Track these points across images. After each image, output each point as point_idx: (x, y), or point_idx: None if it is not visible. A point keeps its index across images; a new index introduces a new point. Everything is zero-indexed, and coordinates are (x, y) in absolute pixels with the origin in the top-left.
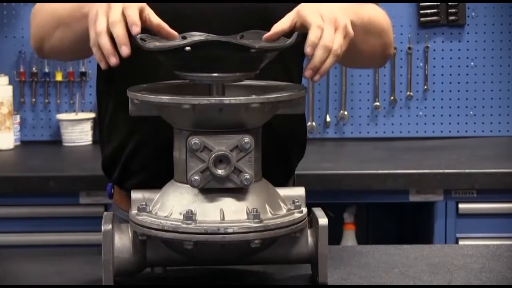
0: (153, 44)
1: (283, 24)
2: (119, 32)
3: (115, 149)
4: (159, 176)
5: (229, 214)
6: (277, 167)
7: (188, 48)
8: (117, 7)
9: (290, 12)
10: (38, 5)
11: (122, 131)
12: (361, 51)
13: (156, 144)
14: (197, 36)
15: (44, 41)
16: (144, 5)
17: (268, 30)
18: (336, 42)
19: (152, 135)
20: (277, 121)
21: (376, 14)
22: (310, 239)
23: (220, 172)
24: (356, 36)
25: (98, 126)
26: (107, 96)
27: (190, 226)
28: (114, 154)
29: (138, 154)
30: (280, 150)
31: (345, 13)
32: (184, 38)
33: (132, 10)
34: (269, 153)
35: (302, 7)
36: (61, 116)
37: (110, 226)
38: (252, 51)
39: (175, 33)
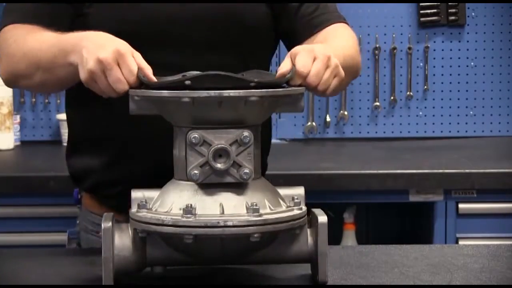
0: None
1: (284, 67)
2: (131, 63)
3: (86, 162)
4: (134, 186)
5: (228, 208)
6: None
7: (188, 82)
8: (110, 51)
9: (287, 55)
10: (4, 39)
11: (94, 144)
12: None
13: (131, 157)
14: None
15: (21, 79)
16: (132, 49)
17: (240, 34)
18: (325, 77)
19: (129, 147)
20: None
21: (346, 44)
22: (310, 238)
23: (219, 165)
24: None
25: (68, 138)
26: (77, 110)
27: (189, 219)
28: (86, 166)
29: (113, 167)
30: None
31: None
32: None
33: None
34: None
35: (296, 47)
36: (61, 116)
37: (110, 224)
38: (251, 85)
39: (154, 78)
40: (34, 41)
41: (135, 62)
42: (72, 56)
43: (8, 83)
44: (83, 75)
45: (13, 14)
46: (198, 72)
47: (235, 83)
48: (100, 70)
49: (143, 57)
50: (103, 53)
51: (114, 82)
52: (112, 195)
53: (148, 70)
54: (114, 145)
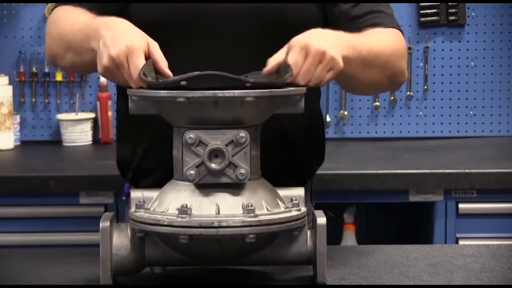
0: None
1: (278, 58)
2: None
3: (129, 150)
4: (171, 176)
5: (224, 209)
6: (291, 168)
7: (183, 82)
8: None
9: (284, 46)
10: (51, 18)
11: (136, 132)
12: (360, 82)
13: (168, 144)
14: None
15: (56, 59)
16: (150, 40)
17: (284, 33)
18: (317, 74)
19: (164, 135)
20: (290, 122)
21: (385, 43)
22: (309, 239)
23: (214, 166)
24: (352, 69)
25: (116, 127)
26: (122, 98)
27: (184, 220)
28: (129, 154)
29: (151, 155)
30: (294, 152)
31: (337, 46)
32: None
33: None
34: (282, 154)
35: (294, 38)
36: (61, 116)
37: (108, 223)
38: (247, 85)
39: (170, 73)
40: (69, 23)
41: (143, 59)
42: (93, 42)
43: (50, 62)
44: (99, 69)
45: None
46: (196, 72)
47: (232, 83)
48: (114, 67)
49: (185, 48)
50: (115, 49)
51: (128, 78)
52: (148, 186)
53: (163, 63)
54: (151, 134)
